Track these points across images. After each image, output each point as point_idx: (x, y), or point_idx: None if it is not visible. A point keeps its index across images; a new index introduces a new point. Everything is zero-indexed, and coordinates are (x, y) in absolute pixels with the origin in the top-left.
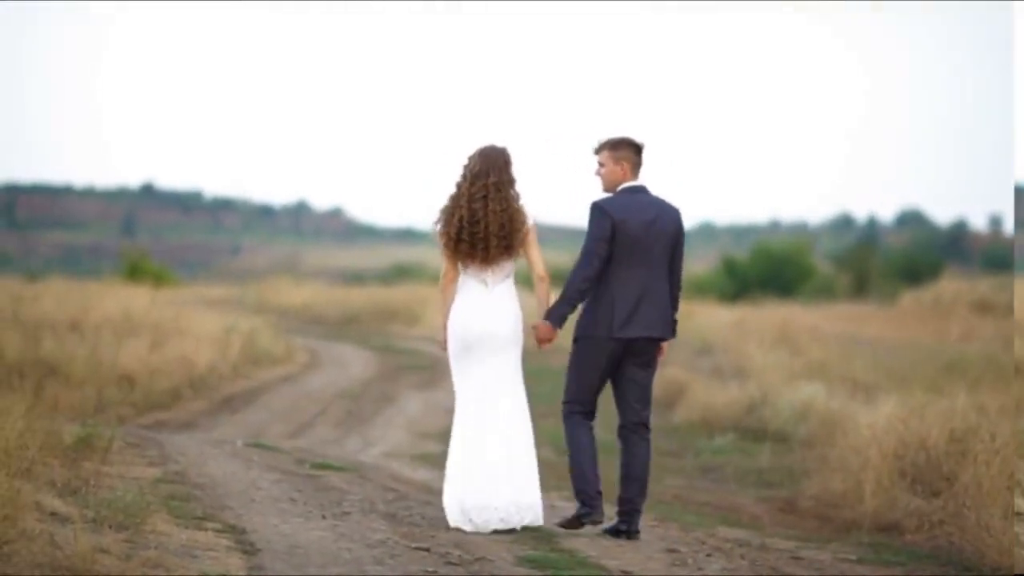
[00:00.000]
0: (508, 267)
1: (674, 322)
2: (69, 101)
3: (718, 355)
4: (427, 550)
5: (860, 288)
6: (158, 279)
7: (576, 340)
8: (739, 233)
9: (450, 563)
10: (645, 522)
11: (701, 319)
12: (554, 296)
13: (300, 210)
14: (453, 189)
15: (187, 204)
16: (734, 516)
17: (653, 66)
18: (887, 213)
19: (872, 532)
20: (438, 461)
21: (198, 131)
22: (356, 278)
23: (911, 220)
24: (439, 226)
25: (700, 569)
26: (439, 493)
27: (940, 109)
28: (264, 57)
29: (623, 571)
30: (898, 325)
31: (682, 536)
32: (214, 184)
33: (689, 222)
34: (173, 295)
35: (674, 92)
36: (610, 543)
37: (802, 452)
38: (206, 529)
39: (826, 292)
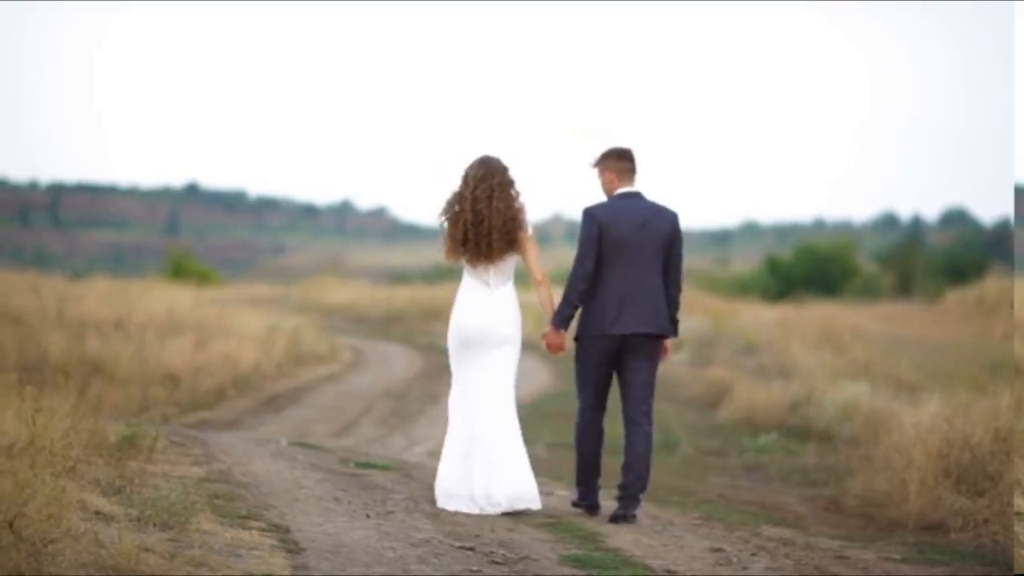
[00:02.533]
0: (509, 269)
1: (675, 321)
2: (114, 100)
3: (762, 354)
4: (471, 549)
5: (904, 287)
6: (202, 278)
7: (576, 339)
8: (783, 232)
9: (494, 562)
10: (689, 520)
11: (745, 318)
12: (556, 296)
13: (344, 209)
14: (453, 196)
15: (231, 203)
16: (778, 515)
17: (698, 65)
18: (932, 212)
19: (917, 531)
20: None
21: (242, 131)
22: (400, 277)
23: (956, 219)
24: (445, 226)
25: (745, 568)
26: None
27: (985, 107)
28: (310, 57)
29: (667, 570)
30: (942, 324)
31: (726, 535)
32: (258, 183)
33: (733, 221)
34: (217, 294)
35: (722, 92)
36: (654, 542)
37: (846, 451)
38: (250, 528)
39: (870, 291)
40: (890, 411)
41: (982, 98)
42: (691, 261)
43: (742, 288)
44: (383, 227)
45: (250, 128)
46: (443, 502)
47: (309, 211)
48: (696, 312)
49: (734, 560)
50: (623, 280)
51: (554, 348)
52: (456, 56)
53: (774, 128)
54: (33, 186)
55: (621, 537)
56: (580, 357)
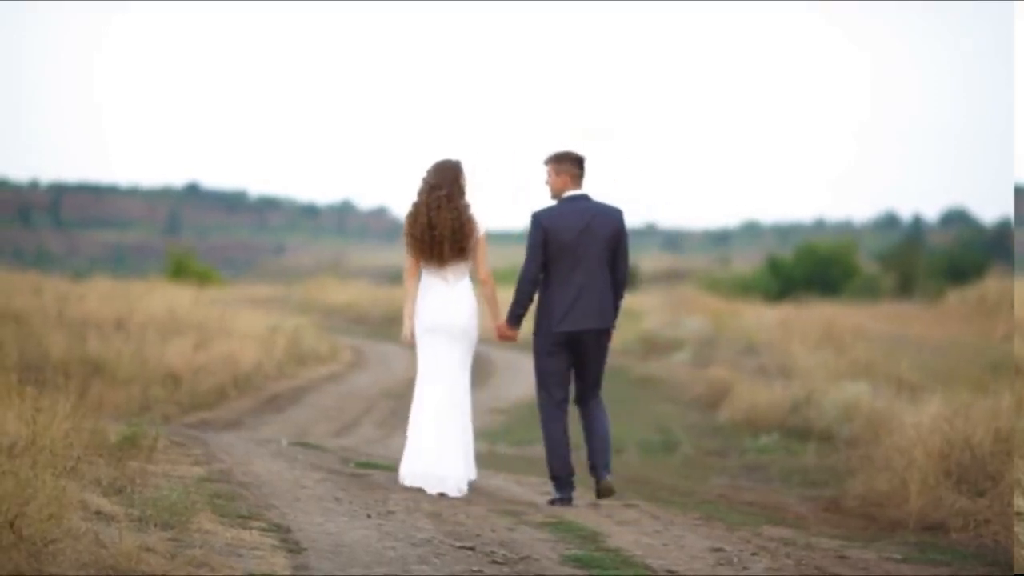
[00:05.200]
0: (465, 267)
1: (617, 308)
2: (114, 100)
3: (763, 354)
4: (472, 549)
5: (905, 287)
6: (203, 278)
7: (533, 335)
8: (784, 232)
9: (495, 562)
10: (690, 520)
11: (746, 318)
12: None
13: (344, 209)
14: (416, 197)
15: (232, 203)
16: (779, 515)
17: (699, 65)
18: (932, 212)
19: (917, 531)
20: (483, 460)
21: (243, 131)
22: (401, 277)
23: (956, 219)
24: (405, 228)
25: (745, 568)
26: (484, 492)
27: (985, 107)
28: (310, 57)
29: (668, 570)
30: (943, 324)
31: (727, 535)
32: (259, 183)
33: (734, 221)
34: (218, 294)
35: (722, 92)
36: (655, 541)
37: (847, 451)
38: (251, 528)
39: (871, 291)
40: (891, 411)
41: (982, 98)
42: (692, 261)
43: (743, 288)
44: (384, 227)
45: (251, 128)
46: (409, 481)
47: (310, 211)
48: (697, 312)
49: (735, 560)
50: (572, 279)
51: (505, 338)
52: (457, 56)
53: (774, 128)
54: (34, 186)
55: (622, 537)
56: (537, 352)
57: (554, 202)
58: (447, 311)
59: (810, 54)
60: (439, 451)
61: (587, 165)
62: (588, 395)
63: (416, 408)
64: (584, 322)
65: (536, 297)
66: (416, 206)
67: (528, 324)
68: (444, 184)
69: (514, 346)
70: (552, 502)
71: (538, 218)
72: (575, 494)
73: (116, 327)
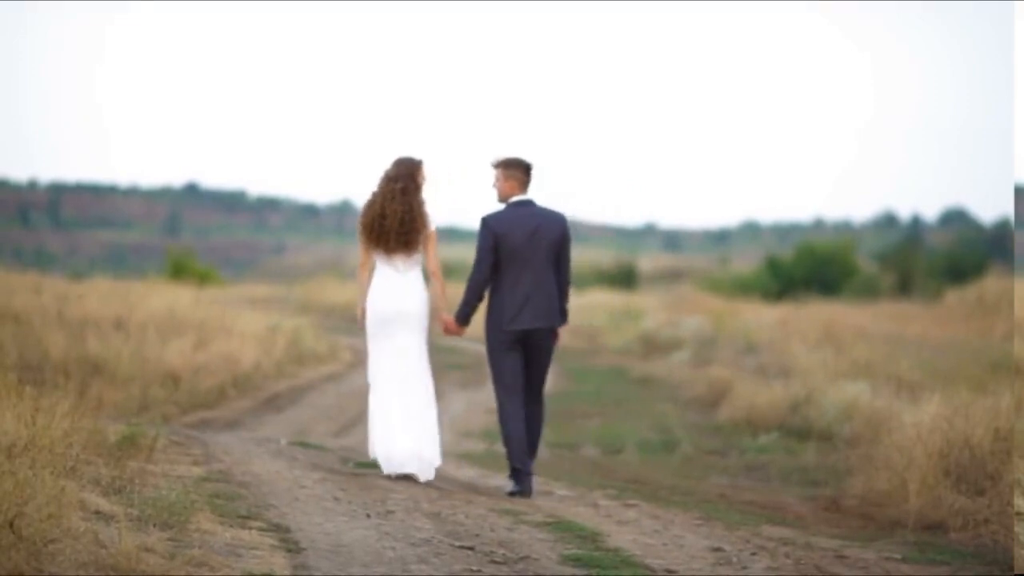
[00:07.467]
0: (416, 257)
1: (564, 311)
2: (114, 100)
3: (762, 354)
4: (471, 549)
5: (904, 287)
6: (202, 278)
7: (486, 335)
8: (783, 232)
9: (494, 562)
10: (689, 520)
11: (745, 318)
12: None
13: (344, 209)
14: (376, 188)
15: (231, 203)
16: (778, 515)
17: (698, 64)
18: (931, 211)
19: (917, 531)
20: (482, 460)
21: (242, 131)
22: None
23: (955, 218)
24: (360, 217)
25: (744, 568)
26: (483, 491)
27: (985, 107)
28: (310, 57)
29: (667, 570)
30: (942, 324)
31: (727, 534)
32: (258, 183)
33: (733, 220)
34: (217, 294)
35: (722, 91)
36: (654, 541)
37: (846, 451)
38: (250, 528)
39: (870, 291)
40: (890, 411)
41: (982, 98)
42: (691, 261)
43: (742, 288)
44: None
45: (250, 128)
46: (389, 468)
47: (310, 211)
48: (696, 312)
49: (734, 560)
50: (521, 281)
51: (451, 333)
52: (456, 57)
53: (774, 128)
54: (33, 186)
55: (621, 537)
56: (490, 350)
57: (501, 206)
58: (396, 298)
59: (810, 54)
60: (400, 434)
61: (533, 172)
62: (532, 395)
63: (374, 396)
64: (533, 321)
65: (487, 298)
66: (373, 195)
67: (477, 322)
68: (401, 178)
69: None
70: (512, 494)
71: (488, 222)
72: (576, 492)
73: (116, 327)
